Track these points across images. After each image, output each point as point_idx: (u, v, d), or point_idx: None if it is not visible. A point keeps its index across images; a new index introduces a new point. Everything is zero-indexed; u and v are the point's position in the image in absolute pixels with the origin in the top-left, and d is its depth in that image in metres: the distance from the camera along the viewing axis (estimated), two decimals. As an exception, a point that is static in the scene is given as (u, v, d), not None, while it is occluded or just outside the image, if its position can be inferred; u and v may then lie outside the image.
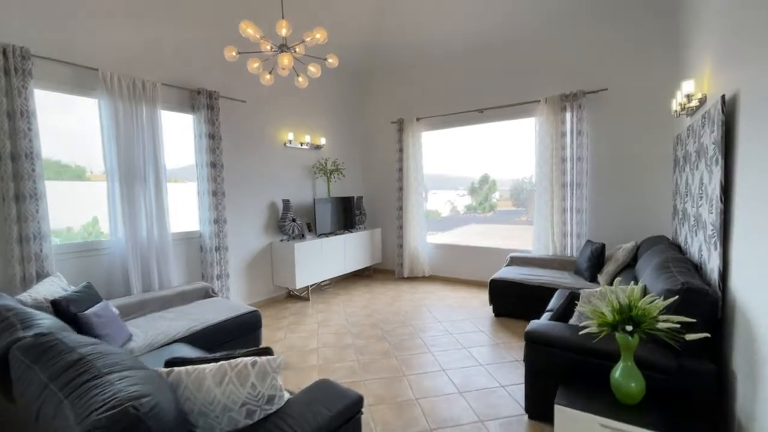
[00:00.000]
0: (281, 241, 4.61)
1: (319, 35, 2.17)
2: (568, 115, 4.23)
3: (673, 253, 2.48)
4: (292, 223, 4.61)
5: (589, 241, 3.87)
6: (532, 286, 3.67)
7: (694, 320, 1.56)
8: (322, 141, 5.28)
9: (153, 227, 3.38)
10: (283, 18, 2.15)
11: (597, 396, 1.73)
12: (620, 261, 3.48)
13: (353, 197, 5.61)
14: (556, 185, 4.33)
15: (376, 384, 2.63)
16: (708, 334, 1.50)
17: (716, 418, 1.82)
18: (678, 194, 3.27)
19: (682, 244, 2.99)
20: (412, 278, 5.64)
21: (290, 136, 4.78)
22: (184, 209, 3.86)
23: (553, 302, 3.08)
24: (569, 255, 4.27)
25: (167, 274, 3.47)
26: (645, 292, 2.13)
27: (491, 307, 3.98)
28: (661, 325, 1.51)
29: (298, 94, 4.94)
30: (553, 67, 4.44)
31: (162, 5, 3.45)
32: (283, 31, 2.13)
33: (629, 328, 1.55)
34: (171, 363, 1.41)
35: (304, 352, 3.17)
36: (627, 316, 1.59)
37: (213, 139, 3.83)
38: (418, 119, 5.45)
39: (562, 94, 4.22)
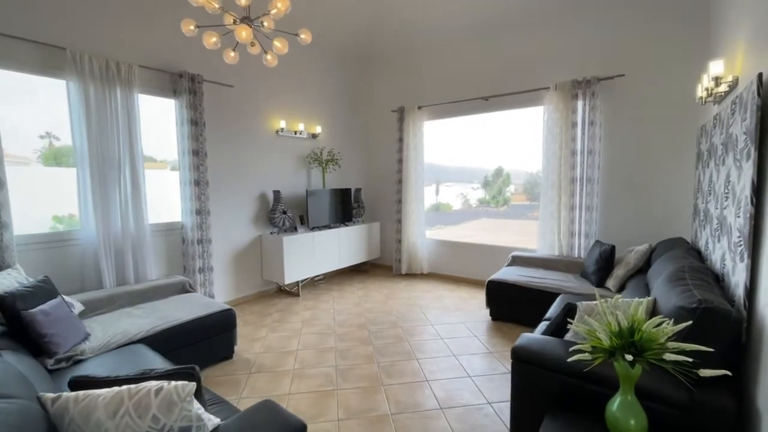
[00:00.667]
0: (271, 233, 4.41)
1: (281, 4, 1.90)
2: (579, 104, 3.86)
3: (691, 261, 2.16)
4: (282, 215, 4.40)
5: (598, 242, 3.54)
6: (533, 290, 3.37)
7: (712, 350, 1.27)
8: (318, 129, 5.03)
9: (129, 217, 3.21)
10: (247, -14, 1.90)
11: (589, 431, 1.46)
12: (631, 265, 3.15)
13: (351, 189, 5.35)
14: (565, 180, 3.98)
15: (350, 395, 2.41)
16: (729, 372, 1.20)
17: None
18: (700, 192, 2.91)
19: (702, 249, 2.65)
20: (411, 275, 5.39)
21: (282, 123, 4.54)
22: (173, 199, 3.68)
23: (553, 309, 2.78)
24: (576, 256, 3.94)
25: (144, 267, 3.31)
26: (654, 307, 1.83)
27: (488, 310, 3.70)
28: (669, 356, 1.23)
29: (291, 79, 4.68)
30: (564, 50, 4.05)
31: (139, -19, 3.24)
32: (243, 0, 1.87)
33: (629, 357, 1.26)
34: (77, 383, 1.20)
35: (281, 354, 2.97)
36: (628, 341, 1.31)
37: (196, 126, 3.62)
38: (419, 108, 5.14)
39: (574, 80, 3.85)
